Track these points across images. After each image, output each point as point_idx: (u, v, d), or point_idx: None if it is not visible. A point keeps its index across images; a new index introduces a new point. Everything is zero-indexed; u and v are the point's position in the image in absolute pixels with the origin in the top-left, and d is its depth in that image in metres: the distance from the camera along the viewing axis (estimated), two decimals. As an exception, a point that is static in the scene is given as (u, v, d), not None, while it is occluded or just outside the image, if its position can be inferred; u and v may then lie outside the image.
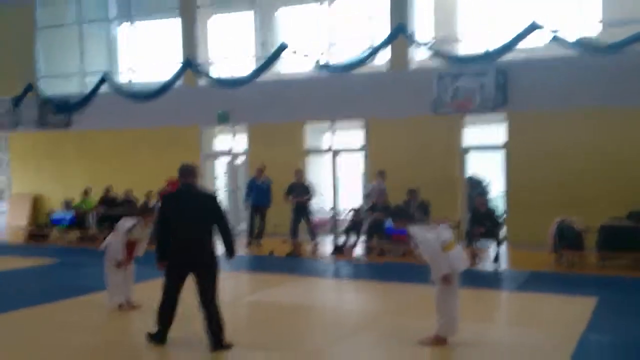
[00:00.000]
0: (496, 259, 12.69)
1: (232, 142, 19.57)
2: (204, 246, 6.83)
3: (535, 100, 14.99)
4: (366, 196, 14.96)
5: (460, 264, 6.79)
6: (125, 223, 8.83)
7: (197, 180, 7.05)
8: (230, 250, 7.05)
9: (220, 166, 21.28)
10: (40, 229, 18.35)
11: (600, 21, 15.68)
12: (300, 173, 15.39)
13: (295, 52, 17.43)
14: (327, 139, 18.71)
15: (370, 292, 10.69)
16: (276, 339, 7.45)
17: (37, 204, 22.06)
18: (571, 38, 14.84)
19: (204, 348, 6.89)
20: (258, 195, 15.91)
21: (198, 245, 6.81)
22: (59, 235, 17.65)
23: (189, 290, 6.97)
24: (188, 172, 6.95)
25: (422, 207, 13.91)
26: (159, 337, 7.07)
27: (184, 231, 6.79)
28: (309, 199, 15.16)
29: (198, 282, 6.88)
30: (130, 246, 8.84)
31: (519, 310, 9.10)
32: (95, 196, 18.12)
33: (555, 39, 14.72)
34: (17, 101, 20.56)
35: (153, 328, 7.11)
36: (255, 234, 15.99)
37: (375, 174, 15.45)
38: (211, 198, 7.05)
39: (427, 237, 6.70)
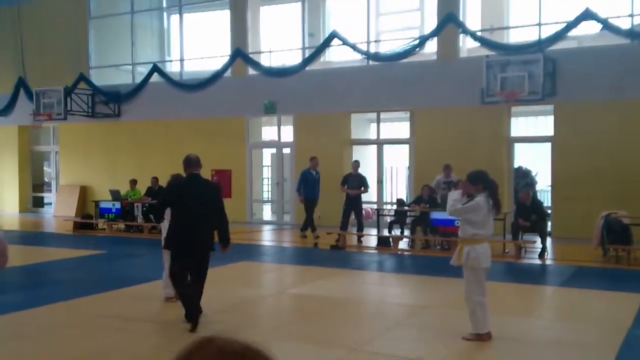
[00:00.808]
0: (542, 252, 12.55)
1: (278, 132, 19.68)
2: (205, 231, 7.36)
3: (584, 91, 14.72)
4: (435, 187, 14.67)
5: (485, 260, 6.71)
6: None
7: (200, 170, 7.52)
8: (226, 239, 7.52)
9: (267, 156, 21.46)
10: (87, 219, 18.53)
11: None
12: (356, 164, 15.33)
13: (343, 42, 17.41)
14: (374, 130, 18.69)
15: (413, 286, 10.70)
16: (319, 331, 7.53)
17: (84, 194, 22.38)
18: (623, 26, 14.53)
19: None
20: (314, 186, 15.65)
21: (200, 230, 7.29)
22: (106, 226, 17.85)
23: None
24: (193, 163, 7.40)
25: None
26: (189, 318, 7.36)
27: (188, 217, 7.25)
28: (363, 192, 15.14)
29: (198, 265, 7.42)
30: None
31: (565, 306, 9.00)
32: (143, 187, 18.21)
33: (606, 27, 14.41)
34: (68, 92, 20.71)
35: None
36: (302, 226, 15.86)
37: (443, 166, 14.90)
38: (215, 187, 7.70)
39: (484, 207, 6.61)
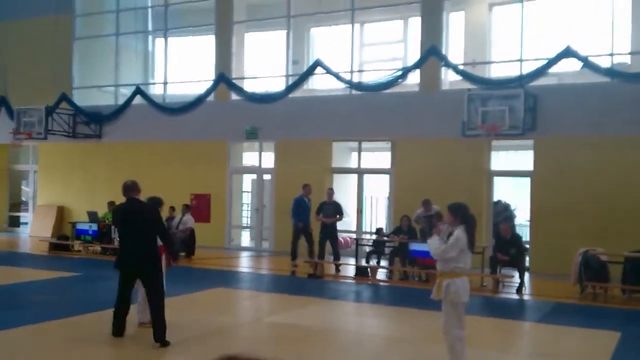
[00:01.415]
0: (520, 287, 12.54)
1: (259, 158, 19.67)
2: (140, 249, 7.77)
3: (564, 127, 14.88)
4: (415, 221, 14.63)
5: (465, 294, 6.67)
6: None
7: (139, 194, 8.08)
8: (171, 252, 8.26)
9: (247, 182, 21.43)
10: (63, 240, 18.26)
11: (631, 51, 15.60)
12: (331, 192, 15.30)
13: (327, 71, 17.52)
14: (354, 159, 18.73)
15: (391, 317, 10.63)
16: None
17: (62, 215, 22.14)
18: (603, 65, 14.77)
19: None
20: (306, 213, 15.31)
21: (135, 248, 7.78)
22: (82, 248, 17.60)
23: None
24: (128, 188, 8.01)
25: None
26: (114, 331, 7.96)
27: (126, 237, 7.95)
28: (338, 219, 15.09)
29: (143, 283, 7.95)
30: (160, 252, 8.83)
31: (542, 342, 8.97)
32: (121, 209, 18.07)
33: (587, 65, 14.64)
34: (50, 111, 20.57)
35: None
36: (308, 253, 15.26)
37: (422, 201, 14.80)
38: (149, 208, 8.08)
39: (463, 238, 6.55)
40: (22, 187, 25.23)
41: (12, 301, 10.78)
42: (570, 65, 15.23)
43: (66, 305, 10.23)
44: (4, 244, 20.24)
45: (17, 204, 24.87)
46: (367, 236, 17.12)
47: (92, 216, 17.96)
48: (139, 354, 7.63)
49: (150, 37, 23.31)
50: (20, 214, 24.66)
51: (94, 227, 17.52)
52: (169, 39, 21.45)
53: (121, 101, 20.94)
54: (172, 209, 17.20)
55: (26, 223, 23.91)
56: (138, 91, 20.24)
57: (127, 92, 21.10)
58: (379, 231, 15.46)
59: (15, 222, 24.49)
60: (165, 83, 21.23)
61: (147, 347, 7.69)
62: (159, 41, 22.55)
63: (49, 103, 20.77)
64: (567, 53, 14.67)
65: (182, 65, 22.23)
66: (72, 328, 8.68)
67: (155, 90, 22.03)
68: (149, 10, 22.61)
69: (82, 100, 21.61)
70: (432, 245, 6.72)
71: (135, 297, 8.25)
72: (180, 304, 10.36)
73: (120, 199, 18.25)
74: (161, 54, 21.79)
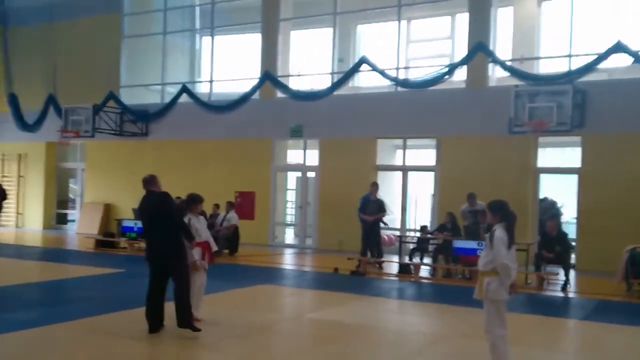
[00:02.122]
0: (564, 285, 12.31)
1: (303, 156, 19.69)
2: (160, 243, 7.84)
3: (613, 123, 14.56)
4: (461, 216, 14.52)
5: (504, 292, 6.54)
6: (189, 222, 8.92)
7: (158, 187, 8.06)
8: (190, 242, 8.10)
9: (291, 179, 21.48)
10: (109, 237, 18.51)
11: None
12: (375, 187, 15.22)
13: (372, 68, 17.44)
14: (399, 156, 18.62)
15: (433, 315, 10.52)
16: (335, 358, 7.41)
17: (108, 212, 22.49)
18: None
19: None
20: (372, 212, 15.12)
21: (155, 242, 7.92)
22: (127, 245, 17.80)
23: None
24: (147, 182, 8.04)
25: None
26: (149, 328, 7.95)
27: (146, 231, 8.09)
28: (382, 216, 15.00)
29: (170, 274, 7.94)
30: (203, 249, 8.87)
31: (587, 340, 8.77)
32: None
33: (637, 60, 14.27)
34: (97, 109, 20.92)
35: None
36: (370, 252, 15.24)
37: (467, 195, 14.54)
38: (165, 201, 7.96)
39: (504, 238, 6.44)
40: (70, 184, 25.65)
41: (60, 297, 10.99)
42: (620, 61, 14.86)
43: (111, 301, 10.35)
44: (51, 240, 20.65)
45: (64, 202, 25.32)
46: (411, 233, 16.98)
47: (138, 213, 18.17)
48: (179, 351, 7.69)
49: (197, 36, 23.55)
50: (68, 211, 25.11)
51: (139, 224, 17.62)
52: (216, 37, 21.64)
53: (167, 99, 21.13)
54: (217, 206, 17.36)
55: (73, 220, 24.32)
56: (184, 89, 20.41)
57: (173, 90, 21.30)
58: (423, 229, 15.34)
59: (62, 220, 24.96)
60: (211, 81, 21.43)
61: (186, 343, 7.74)
62: (206, 39, 22.76)
63: (97, 101, 21.07)
64: (618, 48, 14.31)
65: (228, 64, 22.43)
66: (116, 323, 8.77)
67: (202, 89, 22.27)
68: (196, 8, 22.84)
69: (129, 99, 21.90)
70: (481, 261, 6.62)
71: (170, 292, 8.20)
72: (223, 300, 10.43)
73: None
74: (208, 52, 21.97)
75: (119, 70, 22.54)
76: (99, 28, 22.67)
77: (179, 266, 7.89)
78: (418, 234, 15.56)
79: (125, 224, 18.07)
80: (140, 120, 21.47)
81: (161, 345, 7.79)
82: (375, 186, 15.26)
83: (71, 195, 25.53)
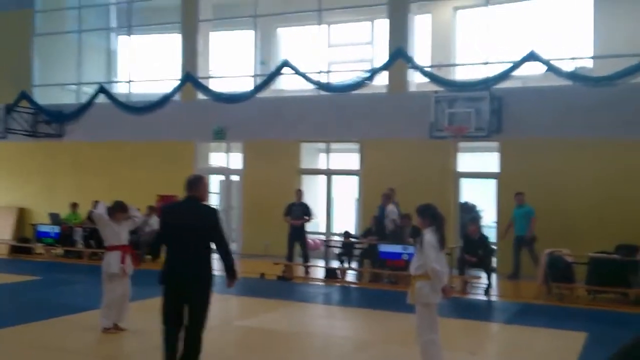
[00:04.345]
0: (487, 289, 12.66)
1: (227, 159, 19.53)
2: (199, 265, 6.31)
3: (529, 129, 15.08)
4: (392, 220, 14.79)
5: (436, 296, 6.68)
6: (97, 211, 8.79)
7: (202, 193, 6.43)
8: (230, 273, 6.54)
9: (215, 183, 21.22)
10: (24, 243, 17.88)
11: (593, 55, 15.90)
12: (300, 193, 15.27)
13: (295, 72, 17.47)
14: (323, 160, 18.72)
15: (361, 320, 10.64)
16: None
17: (22, 217, 21.60)
18: (566, 68, 15.00)
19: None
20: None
21: (192, 263, 6.29)
22: (44, 250, 17.25)
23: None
24: (191, 184, 6.43)
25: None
26: None
27: (178, 248, 6.32)
28: (307, 221, 15.05)
29: (188, 304, 6.31)
30: (123, 253, 8.69)
31: (510, 343, 9.07)
32: (84, 210, 17.68)
33: (550, 68, 14.82)
34: (9, 109, 20.07)
35: None
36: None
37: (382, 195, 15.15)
38: (209, 214, 6.46)
39: (434, 241, 6.55)
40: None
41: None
42: (534, 69, 15.42)
43: (26, 311, 10.01)
44: (-39, 246, 19.76)
45: (-26, 205, 24.25)
46: (336, 238, 17.11)
47: (54, 218, 17.61)
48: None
49: (113, 35, 22.95)
50: (-21, 215, 24.04)
51: (56, 229, 17.18)
52: (134, 36, 21.16)
53: (84, 100, 20.44)
54: (137, 210, 16.96)
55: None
56: (101, 90, 19.79)
57: (90, 90, 20.65)
58: (346, 234, 15.47)
59: (-28, 224, 23.88)
60: (129, 82, 20.94)
61: (109, 356, 7.54)
62: (123, 39, 22.22)
63: (9, 101, 20.25)
64: (531, 56, 14.81)
65: (147, 64, 21.98)
66: (31, 334, 8.48)
67: (120, 89, 21.71)
68: (113, 7, 22.25)
69: (43, 99, 21.10)
70: (413, 265, 6.73)
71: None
72: (145, 307, 10.20)
73: (82, 200, 18.20)
74: (125, 52, 21.45)
75: (31, 68, 21.73)
76: (9, 25, 21.84)
77: (206, 299, 6.39)
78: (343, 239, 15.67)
79: (41, 228, 17.52)
80: (54, 121, 20.69)
81: (84, 356, 7.57)
82: (299, 192, 15.32)
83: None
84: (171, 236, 6.37)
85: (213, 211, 6.50)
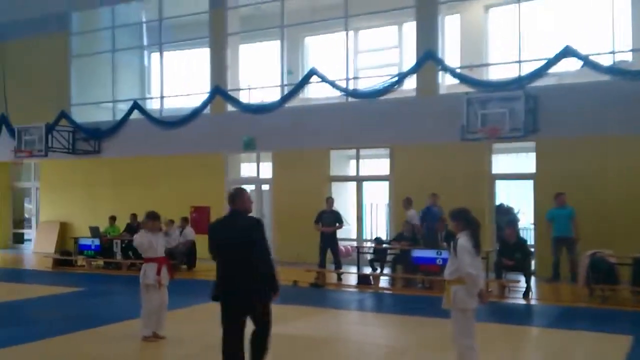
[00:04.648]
0: (526, 292, 12.30)
1: (257, 169, 19.55)
2: (251, 277, 6.14)
3: (566, 128, 14.65)
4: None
5: (473, 301, 6.45)
6: (137, 238, 8.85)
7: (245, 204, 6.36)
8: (272, 285, 6.33)
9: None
10: (66, 256, 18.29)
11: (632, 49, 15.42)
12: (331, 201, 15.11)
13: (322, 79, 17.40)
14: (353, 167, 18.56)
15: (394, 326, 10.41)
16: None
17: (64, 231, 22.26)
18: (604, 63, 14.58)
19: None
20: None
21: (244, 277, 6.14)
22: (85, 263, 17.62)
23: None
24: (234, 197, 6.38)
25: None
26: None
27: (228, 262, 6.23)
28: (338, 228, 14.89)
29: (252, 318, 6.30)
30: (159, 265, 8.74)
31: (553, 348, 8.71)
32: (122, 223, 18.17)
33: (587, 64, 14.44)
34: (49, 128, 20.72)
35: None
36: None
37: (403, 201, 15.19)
38: (252, 226, 6.27)
39: (468, 246, 6.35)
40: (25, 204, 25.52)
41: (17, 318, 10.74)
42: (570, 65, 15.05)
43: (70, 321, 10.18)
44: (8, 260, 20.42)
45: (20, 221, 25.19)
46: (368, 244, 16.91)
47: (94, 231, 18.03)
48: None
49: (145, 52, 23.30)
50: (24, 230, 24.96)
51: (97, 242, 17.74)
52: (164, 53, 21.42)
53: (119, 116, 20.96)
54: (171, 222, 17.04)
55: (30, 239, 24.12)
56: (135, 106, 20.27)
57: (124, 107, 21.10)
58: (378, 240, 15.27)
59: (19, 239, 24.77)
60: (162, 97, 21.20)
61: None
62: (155, 56, 22.50)
63: (49, 121, 20.97)
64: (567, 52, 14.48)
65: (178, 79, 22.29)
66: (74, 344, 8.57)
67: (153, 105, 22.01)
68: (144, 25, 22.55)
69: (80, 117, 21.70)
70: (447, 270, 6.53)
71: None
72: (181, 317, 10.20)
73: (120, 213, 18.51)
74: (157, 69, 21.73)
75: (69, 88, 22.30)
76: (48, 47, 22.45)
77: (267, 301, 6.30)
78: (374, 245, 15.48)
79: (82, 242, 18.20)
80: (92, 138, 21.20)
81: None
82: (330, 200, 15.16)
83: (26, 215, 25.32)
84: (220, 252, 6.32)
85: (257, 222, 6.36)
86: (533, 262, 14.07)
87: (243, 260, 6.12)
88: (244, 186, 20.22)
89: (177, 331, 8.97)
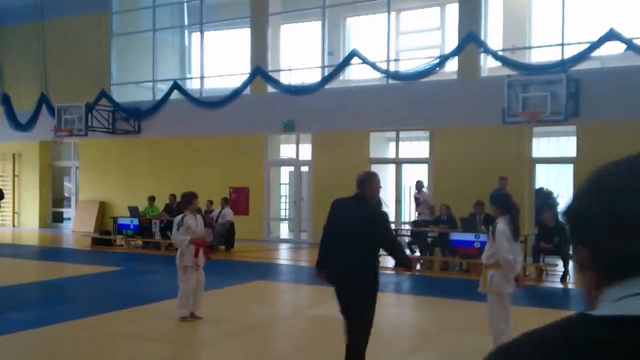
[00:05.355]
0: (564, 276, 12.28)
1: (296, 150, 19.64)
2: (357, 268, 5.81)
3: (608, 112, 14.47)
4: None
5: (509, 285, 6.49)
6: (175, 221, 8.80)
7: (372, 191, 5.95)
8: (405, 264, 6.75)
9: (285, 174, 21.42)
10: (105, 235, 18.47)
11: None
12: None
13: (363, 61, 17.38)
14: (392, 149, 18.56)
15: (431, 308, 10.47)
16: (335, 355, 7.34)
17: (103, 210, 22.44)
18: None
19: None
20: None
21: (350, 265, 5.81)
22: (124, 242, 17.79)
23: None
24: (362, 182, 5.97)
25: (488, 221, 13.59)
26: None
27: (338, 246, 5.92)
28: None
29: (350, 307, 5.92)
30: (197, 247, 8.80)
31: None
32: (161, 203, 18.25)
33: (631, 47, 14.22)
34: (89, 108, 20.82)
35: None
36: None
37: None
38: (373, 214, 5.98)
39: (507, 231, 6.40)
40: (65, 183, 25.69)
41: (56, 296, 10.96)
42: (613, 48, 14.82)
43: (108, 300, 10.31)
44: (48, 239, 20.62)
45: (60, 200, 25.29)
46: (406, 226, 16.95)
47: (133, 211, 18.10)
48: (181, 349, 7.63)
49: (186, 32, 23.45)
50: (64, 209, 25.09)
51: (135, 221, 17.69)
52: (205, 33, 21.51)
53: (159, 96, 21.04)
54: (210, 202, 17.29)
55: (69, 218, 24.27)
56: (175, 86, 20.34)
57: (164, 87, 21.17)
58: (414, 223, 15.32)
59: (58, 218, 24.93)
60: (202, 77, 21.31)
61: (188, 341, 7.67)
62: (195, 36, 22.65)
63: (89, 100, 20.97)
64: (611, 36, 14.26)
65: (218, 59, 22.37)
66: (113, 323, 8.74)
67: (193, 85, 22.18)
68: (185, 4, 22.69)
69: (121, 97, 21.84)
70: (485, 253, 6.58)
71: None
72: (220, 297, 10.38)
73: (159, 193, 18.70)
74: (197, 49, 21.86)
75: (109, 68, 22.42)
76: (89, 26, 22.50)
77: (366, 303, 5.89)
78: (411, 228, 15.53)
79: (121, 221, 18.10)
80: (132, 118, 21.36)
81: (162, 344, 7.73)
82: None
83: (66, 194, 25.51)
84: (334, 233, 6.01)
85: (378, 216, 6.04)
86: (571, 247, 13.96)
87: (355, 249, 5.77)
88: (283, 167, 20.50)
89: (215, 311, 9.03)
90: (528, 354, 0.99)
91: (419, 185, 15.71)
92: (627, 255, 1.00)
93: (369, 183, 5.93)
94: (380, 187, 6.10)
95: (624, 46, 14.42)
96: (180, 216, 8.68)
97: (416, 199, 15.35)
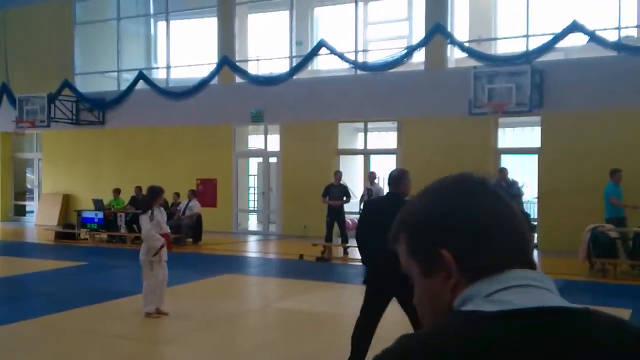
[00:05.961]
0: (530, 266, 12.43)
1: (264, 141, 19.59)
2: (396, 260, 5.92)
3: (571, 103, 14.69)
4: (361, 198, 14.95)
5: None
6: (145, 217, 8.60)
7: (406, 188, 5.89)
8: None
9: (253, 165, 21.35)
10: (69, 229, 18.14)
11: (638, 24, 15.38)
12: (339, 175, 15.18)
13: (331, 52, 17.37)
14: (361, 140, 18.61)
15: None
16: (303, 350, 7.37)
17: (67, 203, 22.03)
18: (610, 39, 14.57)
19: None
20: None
21: (395, 264, 5.89)
22: (88, 236, 17.49)
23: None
24: (395, 180, 5.95)
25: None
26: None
27: (379, 245, 5.87)
28: (345, 202, 14.99)
29: (399, 300, 6.00)
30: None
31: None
32: (126, 196, 17.93)
33: (594, 39, 14.44)
34: (52, 98, 20.37)
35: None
36: None
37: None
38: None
39: None
40: (27, 175, 25.12)
41: (19, 293, 10.76)
42: (577, 40, 15.03)
43: (72, 297, 10.14)
44: (9, 233, 20.26)
45: (22, 193, 24.73)
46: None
47: (98, 204, 17.86)
48: (144, 346, 7.58)
49: (152, 21, 23.14)
50: (26, 202, 24.58)
51: (100, 214, 17.40)
52: (171, 22, 21.27)
53: (124, 86, 20.76)
54: (177, 195, 17.16)
55: (32, 212, 23.81)
56: (141, 76, 20.11)
57: (130, 77, 20.91)
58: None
59: (20, 211, 24.40)
60: (168, 67, 21.09)
61: (152, 337, 7.62)
62: (161, 24, 22.39)
63: (52, 90, 20.54)
64: (574, 28, 14.47)
65: (184, 49, 22.12)
66: (78, 319, 8.61)
67: (159, 75, 21.92)
68: (150, -7, 22.40)
69: (84, 87, 21.50)
70: None
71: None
72: (187, 291, 10.33)
73: (125, 186, 18.45)
74: (163, 38, 21.61)
75: (73, 57, 22.01)
76: (51, 14, 22.10)
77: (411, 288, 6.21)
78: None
79: (86, 214, 17.78)
80: (96, 109, 21.04)
81: (129, 340, 7.66)
82: (338, 174, 15.23)
83: (29, 186, 24.95)
84: (372, 235, 5.73)
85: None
86: (536, 236, 14.18)
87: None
88: (251, 158, 20.40)
89: (182, 307, 8.95)
90: None
91: (372, 176, 15.58)
92: (500, 255, 1.11)
93: (403, 180, 5.93)
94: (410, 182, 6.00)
95: (587, 38, 14.64)
96: (149, 212, 8.58)
97: (368, 191, 14.99)
